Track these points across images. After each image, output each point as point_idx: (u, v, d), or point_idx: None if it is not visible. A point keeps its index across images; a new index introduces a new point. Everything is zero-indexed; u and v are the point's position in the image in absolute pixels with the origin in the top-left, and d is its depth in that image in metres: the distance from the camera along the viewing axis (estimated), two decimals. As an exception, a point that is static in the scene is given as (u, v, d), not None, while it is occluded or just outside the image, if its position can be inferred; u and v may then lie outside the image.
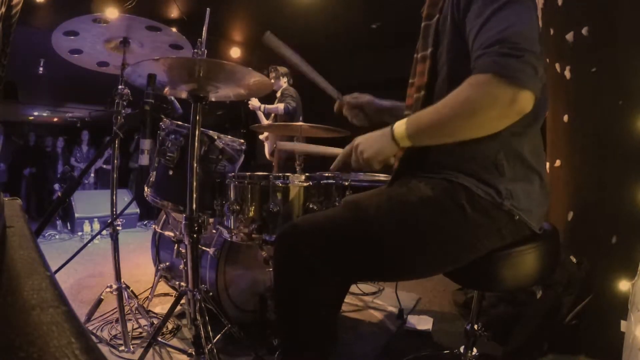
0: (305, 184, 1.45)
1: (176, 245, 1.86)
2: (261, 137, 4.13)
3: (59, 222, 5.14)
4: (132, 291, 1.98)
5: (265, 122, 3.92)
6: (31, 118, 10.77)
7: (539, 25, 0.90)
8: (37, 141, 8.15)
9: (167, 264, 2.19)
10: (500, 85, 0.77)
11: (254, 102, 3.88)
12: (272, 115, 3.93)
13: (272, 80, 3.92)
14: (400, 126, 0.91)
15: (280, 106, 3.80)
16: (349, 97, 1.28)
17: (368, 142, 0.96)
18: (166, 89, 1.49)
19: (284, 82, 3.93)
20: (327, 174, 1.53)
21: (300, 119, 3.81)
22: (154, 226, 2.36)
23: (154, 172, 1.70)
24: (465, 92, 0.82)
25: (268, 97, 3.62)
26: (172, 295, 2.41)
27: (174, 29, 1.76)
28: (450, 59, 0.94)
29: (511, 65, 0.77)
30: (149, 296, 2.22)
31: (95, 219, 4.77)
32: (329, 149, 1.23)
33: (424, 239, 0.90)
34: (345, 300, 2.40)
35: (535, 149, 0.95)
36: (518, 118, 0.81)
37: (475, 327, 1.22)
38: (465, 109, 0.82)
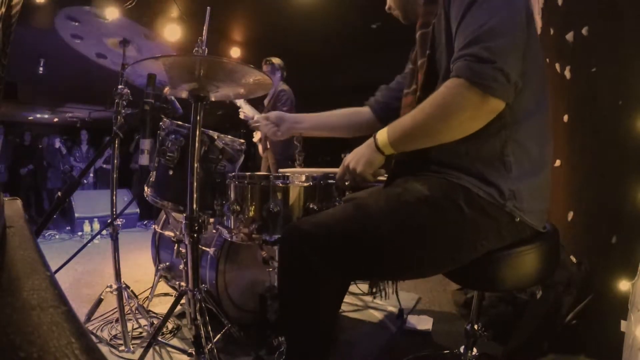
0: (305, 184, 1.45)
1: (176, 245, 1.86)
2: (255, 139, 3.97)
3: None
4: (132, 291, 1.98)
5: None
6: (31, 118, 10.76)
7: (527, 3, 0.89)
8: (33, 140, 8.12)
9: (167, 264, 2.19)
10: (471, 90, 0.82)
11: (247, 111, 3.46)
12: None
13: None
14: (382, 134, 0.96)
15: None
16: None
17: (356, 158, 1.01)
18: (166, 89, 1.48)
19: (279, 76, 3.69)
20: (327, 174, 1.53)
21: None
22: (154, 226, 2.36)
23: (154, 172, 1.70)
24: (440, 95, 0.87)
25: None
26: (172, 295, 2.41)
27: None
28: (448, 60, 0.93)
29: (483, 73, 0.80)
30: (149, 296, 2.22)
31: (95, 219, 4.78)
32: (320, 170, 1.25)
33: (422, 238, 0.91)
34: (345, 300, 2.40)
35: (541, 139, 0.95)
36: (491, 118, 0.86)
37: (475, 327, 1.22)
38: (440, 111, 0.86)
